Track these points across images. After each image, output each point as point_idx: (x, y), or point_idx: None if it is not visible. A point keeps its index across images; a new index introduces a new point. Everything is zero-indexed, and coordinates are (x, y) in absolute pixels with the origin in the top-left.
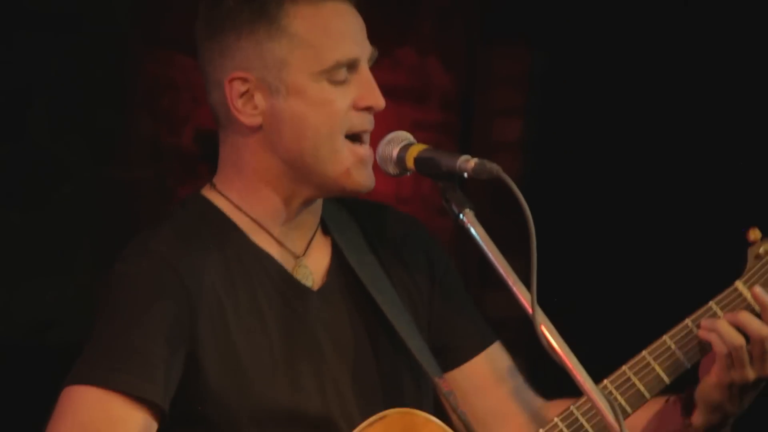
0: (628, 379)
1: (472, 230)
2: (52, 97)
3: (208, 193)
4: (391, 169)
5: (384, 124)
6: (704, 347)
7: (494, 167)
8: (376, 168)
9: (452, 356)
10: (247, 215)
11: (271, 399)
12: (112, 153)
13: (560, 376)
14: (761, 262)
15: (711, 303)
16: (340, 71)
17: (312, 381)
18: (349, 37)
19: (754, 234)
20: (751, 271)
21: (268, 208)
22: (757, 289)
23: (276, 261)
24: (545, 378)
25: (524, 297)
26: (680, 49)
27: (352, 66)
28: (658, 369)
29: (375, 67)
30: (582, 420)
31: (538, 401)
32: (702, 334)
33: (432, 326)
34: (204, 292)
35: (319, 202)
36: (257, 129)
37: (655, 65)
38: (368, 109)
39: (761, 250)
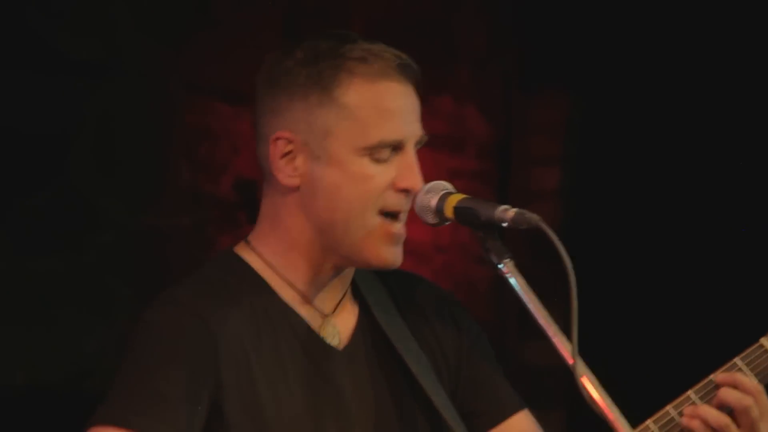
0: (672, 419)
1: (512, 280)
2: (91, 144)
3: (241, 250)
4: (430, 219)
5: (421, 172)
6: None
7: (534, 217)
8: (415, 217)
9: (479, 421)
10: (278, 273)
11: None
12: (151, 201)
13: (601, 426)
14: None
15: (736, 359)
16: (384, 150)
17: None
18: (398, 117)
19: None
20: None
21: (298, 270)
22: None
23: (302, 319)
24: (586, 429)
25: (565, 347)
26: (719, 95)
27: (396, 147)
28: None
29: None
30: None
31: None
32: (686, 421)
33: (459, 392)
34: (230, 342)
35: (351, 268)
36: (294, 190)
37: (693, 113)
38: (406, 191)
39: None
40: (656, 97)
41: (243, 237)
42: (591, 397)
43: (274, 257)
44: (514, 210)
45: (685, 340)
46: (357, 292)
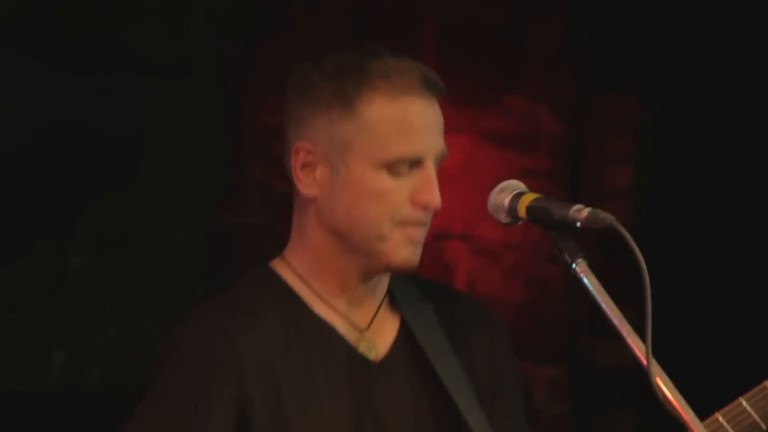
0: (744, 410)
1: (585, 280)
2: (165, 143)
3: (275, 264)
4: (503, 218)
5: (493, 171)
6: None
7: (608, 217)
8: (485, 216)
9: None
10: (310, 287)
11: None
12: (224, 199)
13: (674, 428)
14: None
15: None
16: (402, 165)
17: None
18: (418, 134)
19: None
20: None
21: (329, 282)
22: None
23: (338, 333)
24: (659, 430)
25: (639, 348)
26: None
27: (415, 162)
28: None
29: (485, 114)
30: None
31: None
32: None
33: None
34: (256, 358)
35: (384, 278)
36: (313, 200)
37: (766, 114)
38: (424, 206)
39: None
40: (730, 96)
41: None
42: (666, 397)
43: (304, 270)
44: (588, 209)
45: (758, 341)
46: (396, 305)
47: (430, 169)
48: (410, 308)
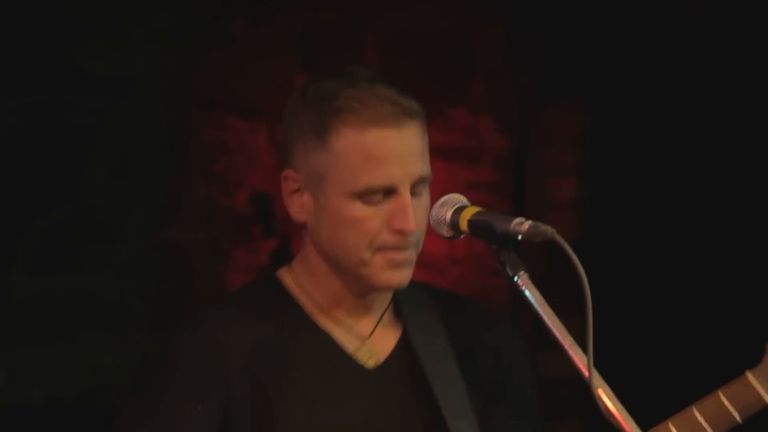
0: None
1: (527, 292)
2: (107, 160)
3: (282, 272)
4: (445, 232)
5: (437, 185)
6: None
7: (548, 230)
8: (431, 230)
9: None
10: (311, 297)
11: None
12: (167, 216)
13: None
14: None
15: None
16: (375, 195)
17: None
18: (387, 163)
19: None
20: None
21: (328, 295)
22: None
23: (335, 342)
24: None
25: (580, 359)
26: (736, 106)
27: (389, 191)
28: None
29: (428, 128)
30: None
31: None
32: None
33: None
34: (246, 362)
35: (384, 290)
36: (304, 225)
37: (709, 125)
38: (400, 232)
39: None
40: (671, 108)
41: (258, 251)
42: (607, 409)
43: (306, 282)
44: (529, 222)
45: (699, 350)
46: (400, 313)
47: (403, 197)
48: (414, 316)
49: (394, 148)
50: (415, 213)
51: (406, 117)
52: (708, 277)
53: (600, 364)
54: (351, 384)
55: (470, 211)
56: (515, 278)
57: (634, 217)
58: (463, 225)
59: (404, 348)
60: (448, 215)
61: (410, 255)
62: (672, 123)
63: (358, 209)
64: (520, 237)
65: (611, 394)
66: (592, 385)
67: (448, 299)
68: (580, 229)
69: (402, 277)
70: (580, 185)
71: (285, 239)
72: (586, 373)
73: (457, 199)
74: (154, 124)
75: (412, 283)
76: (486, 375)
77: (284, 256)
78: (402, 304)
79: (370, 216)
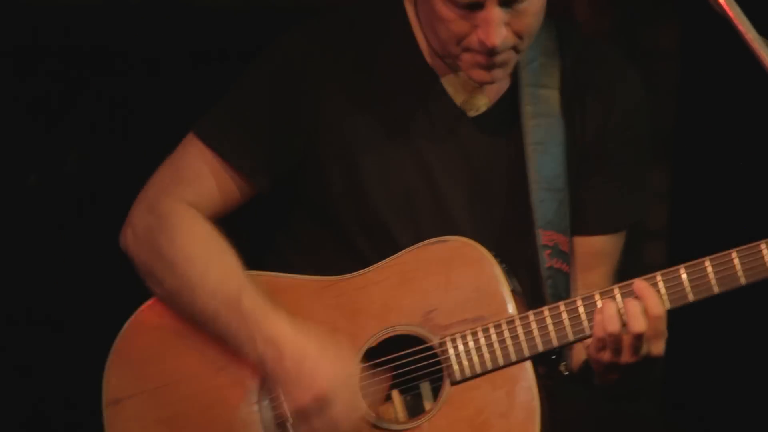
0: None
1: None
2: None
3: (408, 4)
4: None
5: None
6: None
7: None
8: None
9: (575, 220)
10: (427, 39)
11: (381, 211)
12: None
13: None
14: None
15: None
16: (459, 3)
17: (426, 202)
18: None
19: None
20: None
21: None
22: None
23: (441, 85)
24: None
25: None
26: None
27: (474, 6)
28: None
29: None
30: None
31: None
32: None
33: (583, 182)
34: (340, 86)
35: None
36: (413, 6)
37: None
38: (481, 42)
39: None
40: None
41: None
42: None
43: (424, 22)
44: None
45: None
46: (516, 64)
47: (490, 11)
48: (530, 67)
49: None
50: (517, 21)
51: None
52: None
53: None
54: (445, 126)
55: None
56: None
57: None
58: None
59: (509, 101)
60: None
61: (502, 58)
62: None
63: (447, 9)
64: None
65: None
66: None
67: (579, 46)
68: None
69: (491, 76)
70: None
71: None
72: None
73: None
74: None
75: (545, 23)
76: (593, 132)
77: None
78: (520, 60)
79: (455, 20)
